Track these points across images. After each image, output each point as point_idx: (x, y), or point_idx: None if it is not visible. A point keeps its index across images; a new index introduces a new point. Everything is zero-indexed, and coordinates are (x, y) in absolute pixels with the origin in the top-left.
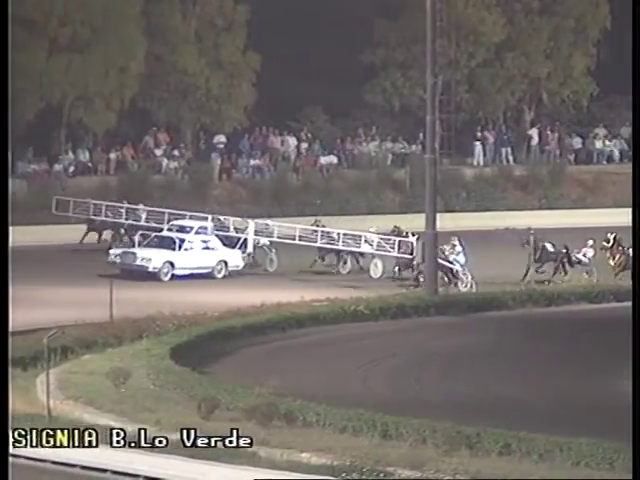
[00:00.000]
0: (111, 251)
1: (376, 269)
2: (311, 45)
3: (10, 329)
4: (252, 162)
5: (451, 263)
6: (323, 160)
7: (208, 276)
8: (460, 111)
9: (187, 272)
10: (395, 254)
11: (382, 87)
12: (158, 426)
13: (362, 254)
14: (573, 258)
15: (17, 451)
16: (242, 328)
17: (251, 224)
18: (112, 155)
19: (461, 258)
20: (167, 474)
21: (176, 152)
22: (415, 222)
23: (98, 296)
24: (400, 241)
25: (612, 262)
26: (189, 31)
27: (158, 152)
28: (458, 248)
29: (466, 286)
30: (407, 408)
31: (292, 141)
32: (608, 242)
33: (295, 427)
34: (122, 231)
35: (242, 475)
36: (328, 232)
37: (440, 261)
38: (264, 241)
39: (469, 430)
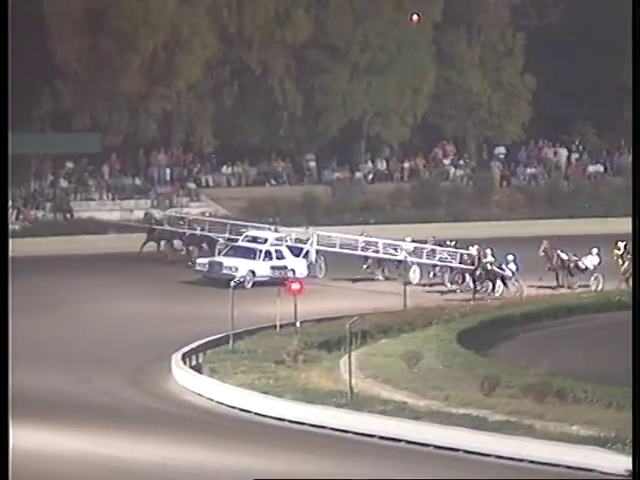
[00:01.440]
0: (198, 260)
1: (414, 275)
2: (583, 67)
3: (316, 317)
4: (528, 170)
5: (503, 270)
6: (591, 169)
7: (279, 284)
8: None
9: (264, 280)
10: (457, 265)
11: None
12: (446, 402)
13: (400, 262)
14: None
15: (323, 422)
16: (520, 316)
17: (314, 235)
18: (406, 164)
19: (512, 266)
20: (453, 444)
21: (461, 162)
22: None
23: (392, 288)
24: (462, 253)
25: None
26: (474, 56)
27: (446, 161)
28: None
29: (517, 292)
30: None
31: (564, 152)
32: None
33: (566, 403)
34: (179, 241)
35: (521, 445)
36: (389, 244)
37: (495, 268)
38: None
39: None
